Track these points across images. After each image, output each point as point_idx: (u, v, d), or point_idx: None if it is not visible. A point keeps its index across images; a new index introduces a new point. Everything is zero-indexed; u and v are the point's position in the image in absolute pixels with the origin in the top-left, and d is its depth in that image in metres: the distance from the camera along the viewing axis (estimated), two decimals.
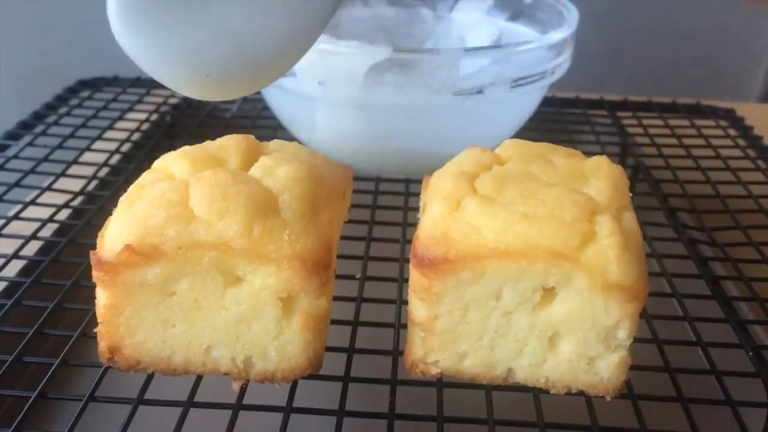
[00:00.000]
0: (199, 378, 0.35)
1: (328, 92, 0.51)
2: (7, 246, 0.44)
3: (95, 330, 0.34)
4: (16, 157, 0.56)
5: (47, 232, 0.48)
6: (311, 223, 0.33)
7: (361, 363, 0.36)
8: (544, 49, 0.53)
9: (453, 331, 0.33)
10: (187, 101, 0.68)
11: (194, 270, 0.31)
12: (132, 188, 0.34)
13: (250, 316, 0.32)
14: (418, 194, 0.40)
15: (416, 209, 0.40)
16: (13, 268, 0.44)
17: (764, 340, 0.45)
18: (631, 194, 0.36)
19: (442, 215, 0.32)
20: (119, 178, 0.53)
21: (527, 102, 0.57)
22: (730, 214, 0.50)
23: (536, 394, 0.34)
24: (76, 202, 0.51)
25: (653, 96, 0.71)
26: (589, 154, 0.38)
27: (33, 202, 0.49)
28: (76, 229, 0.46)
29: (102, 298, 0.32)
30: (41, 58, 0.98)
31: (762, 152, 0.60)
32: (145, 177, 0.35)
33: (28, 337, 0.37)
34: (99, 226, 0.34)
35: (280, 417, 0.33)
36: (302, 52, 0.32)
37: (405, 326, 0.35)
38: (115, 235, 0.32)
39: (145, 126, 0.63)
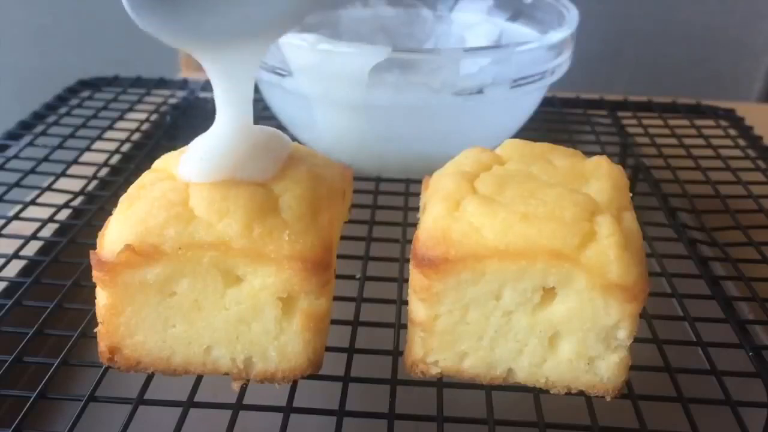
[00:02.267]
0: (199, 378, 0.35)
1: (328, 92, 0.51)
2: (7, 246, 0.44)
3: (95, 330, 0.34)
4: (16, 157, 0.56)
5: (47, 232, 0.48)
6: (311, 224, 0.33)
7: (361, 363, 0.36)
8: (544, 49, 0.53)
9: (453, 331, 0.33)
10: (187, 101, 0.68)
11: (194, 270, 0.31)
12: (132, 188, 0.34)
13: (250, 316, 0.32)
14: (418, 194, 0.40)
15: (416, 209, 0.40)
16: (13, 268, 0.44)
17: (764, 340, 0.45)
18: (631, 194, 0.36)
19: (442, 215, 0.32)
20: (119, 178, 0.53)
21: (527, 102, 0.57)
22: (730, 214, 0.50)
23: (536, 394, 0.34)
24: (76, 202, 0.51)
25: (653, 96, 0.71)
26: (589, 154, 0.38)
27: (33, 202, 0.49)
28: (76, 229, 0.46)
29: (102, 298, 0.32)
30: (41, 58, 0.98)
31: (762, 152, 0.60)
32: (146, 177, 0.35)
33: (28, 337, 0.37)
34: (99, 226, 0.34)
35: (280, 417, 0.33)
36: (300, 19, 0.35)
37: (405, 326, 0.35)
38: (115, 235, 0.32)
39: (145, 126, 0.63)
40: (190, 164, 0.34)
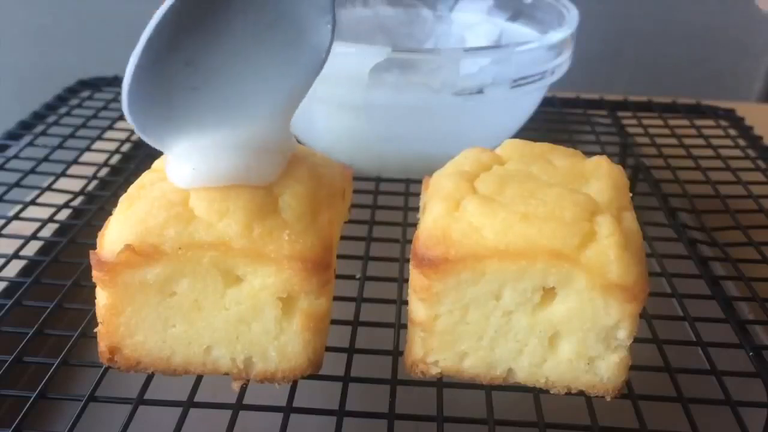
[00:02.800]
0: (199, 378, 0.35)
1: (328, 92, 0.51)
2: (7, 246, 0.44)
3: (95, 330, 0.34)
4: (16, 157, 0.56)
5: (47, 232, 0.48)
6: (311, 224, 0.33)
7: (361, 363, 0.36)
8: (544, 49, 0.53)
9: (453, 331, 0.33)
10: None
11: (194, 270, 0.31)
12: (132, 188, 0.34)
13: (250, 316, 0.32)
14: (418, 194, 0.40)
15: (416, 209, 0.40)
16: (13, 268, 0.44)
17: (764, 340, 0.45)
18: (631, 194, 0.36)
19: (442, 215, 0.32)
20: (119, 178, 0.54)
21: (527, 102, 0.57)
22: (730, 214, 0.50)
23: (536, 394, 0.34)
24: (76, 202, 0.51)
25: (653, 96, 0.71)
26: (589, 154, 0.38)
27: (33, 202, 0.49)
28: (76, 229, 0.46)
29: (102, 298, 0.32)
30: (41, 58, 0.98)
31: (762, 152, 0.60)
32: (145, 177, 0.35)
33: (28, 337, 0.37)
34: (99, 226, 0.34)
35: (280, 417, 0.33)
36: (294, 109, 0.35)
37: (405, 326, 0.35)
38: (115, 235, 0.32)
39: None
40: (182, 171, 0.33)
